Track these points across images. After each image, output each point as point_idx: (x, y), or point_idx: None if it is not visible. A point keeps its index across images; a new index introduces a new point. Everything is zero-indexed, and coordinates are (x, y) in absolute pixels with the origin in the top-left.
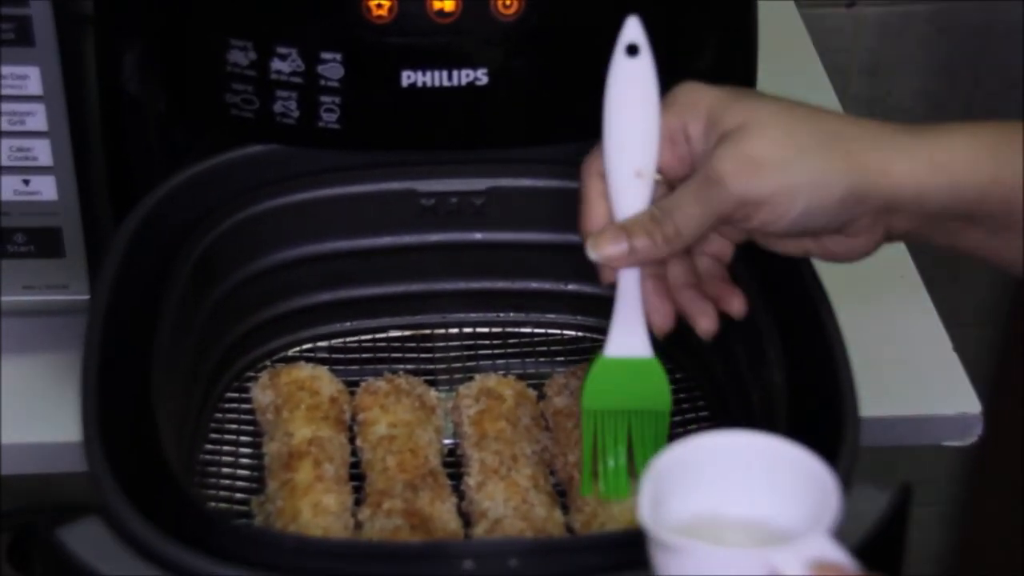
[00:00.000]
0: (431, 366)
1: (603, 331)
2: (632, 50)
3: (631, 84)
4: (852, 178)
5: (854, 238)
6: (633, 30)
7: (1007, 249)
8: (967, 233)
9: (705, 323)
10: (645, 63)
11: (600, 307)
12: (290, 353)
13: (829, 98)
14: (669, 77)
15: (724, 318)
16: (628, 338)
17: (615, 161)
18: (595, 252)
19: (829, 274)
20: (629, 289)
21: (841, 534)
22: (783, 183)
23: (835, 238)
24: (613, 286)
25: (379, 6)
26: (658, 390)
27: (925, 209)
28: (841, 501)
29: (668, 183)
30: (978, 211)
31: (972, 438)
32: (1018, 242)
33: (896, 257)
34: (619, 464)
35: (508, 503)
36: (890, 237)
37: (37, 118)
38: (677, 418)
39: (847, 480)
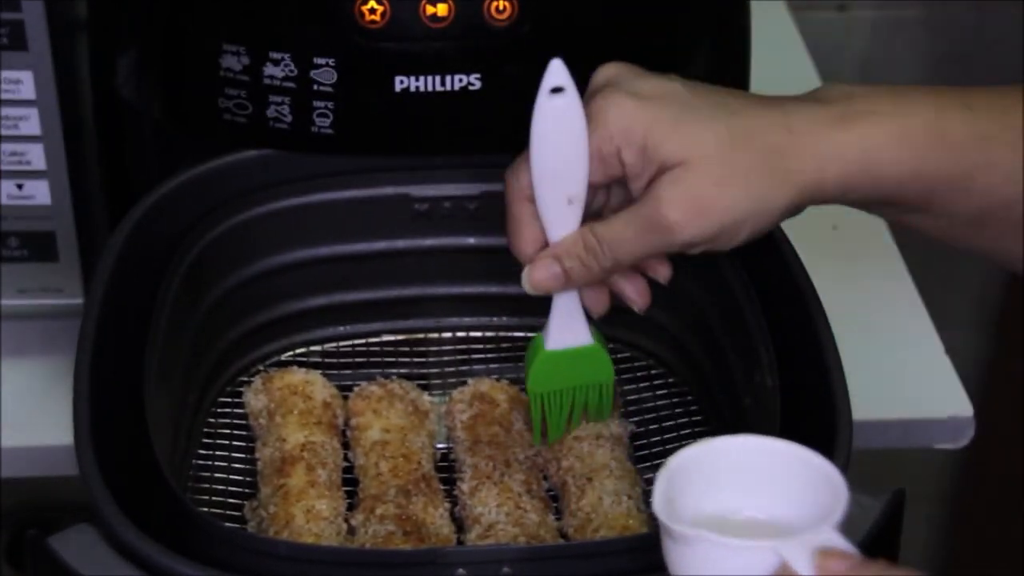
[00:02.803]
0: (424, 371)
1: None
2: (557, 90)
3: (558, 121)
4: (791, 196)
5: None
6: (556, 74)
7: (922, 225)
8: (886, 211)
9: (634, 295)
10: (571, 100)
11: None
12: (283, 358)
13: None
14: None
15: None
16: (568, 330)
17: (546, 190)
18: (530, 285)
19: (821, 277)
20: (563, 296)
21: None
22: (731, 220)
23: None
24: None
25: (372, 11)
26: (601, 366)
27: (847, 200)
28: (849, 500)
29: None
30: (897, 200)
31: (964, 441)
32: (930, 223)
33: (888, 260)
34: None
35: (501, 508)
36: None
37: (31, 122)
38: (669, 423)
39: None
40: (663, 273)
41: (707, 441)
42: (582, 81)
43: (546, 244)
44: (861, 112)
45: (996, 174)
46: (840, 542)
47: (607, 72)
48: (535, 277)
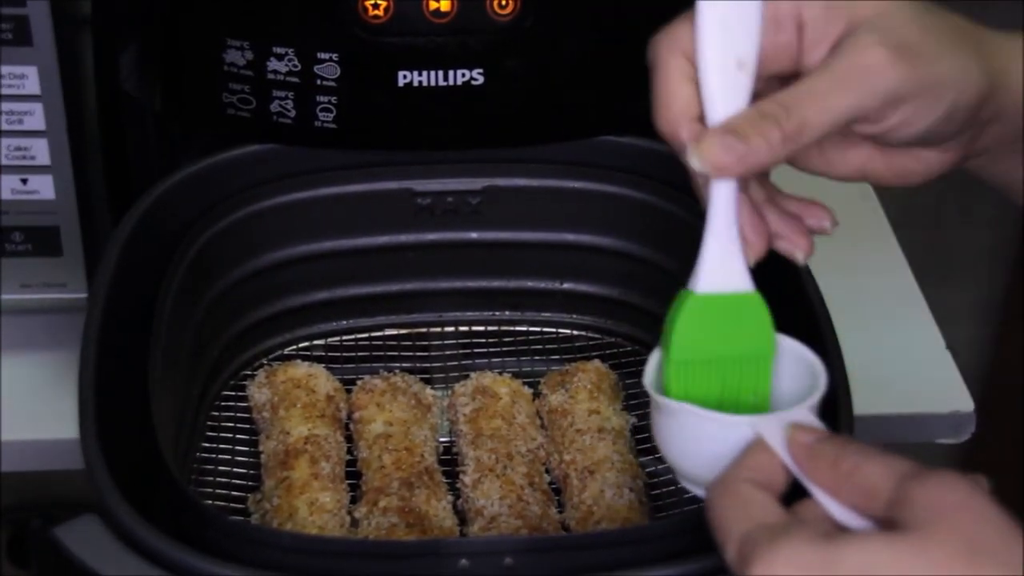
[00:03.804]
0: (427, 364)
1: (598, 329)
2: None
3: None
4: (987, 74)
5: (943, 153)
6: None
7: None
8: None
9: (804, 244)
10: None
11: (595, 305)
12: (286, 351)
13: None
14: None
15: None
16: (725, 268)
17: (713, 45)
18: (699, 159)
19: (822, 272)
20: (724, 207)
21: None
22: (935, 76)
23: (919, 154)
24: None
25: (375, 6)
26: (759, 330)
27: (1020, 121)
28: (828, 386)
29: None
30: None
31: (965, 436)
32: None
33: (889, 255)
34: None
35: (503, 501)
36: (966, 158)
37: (35, 117)
38: None
39: None
40: (827, 220)
41: None
42: (577, 74)
43: (702, 122)
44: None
45: None
46: (812, 420)
47: None
48: (710, 154)
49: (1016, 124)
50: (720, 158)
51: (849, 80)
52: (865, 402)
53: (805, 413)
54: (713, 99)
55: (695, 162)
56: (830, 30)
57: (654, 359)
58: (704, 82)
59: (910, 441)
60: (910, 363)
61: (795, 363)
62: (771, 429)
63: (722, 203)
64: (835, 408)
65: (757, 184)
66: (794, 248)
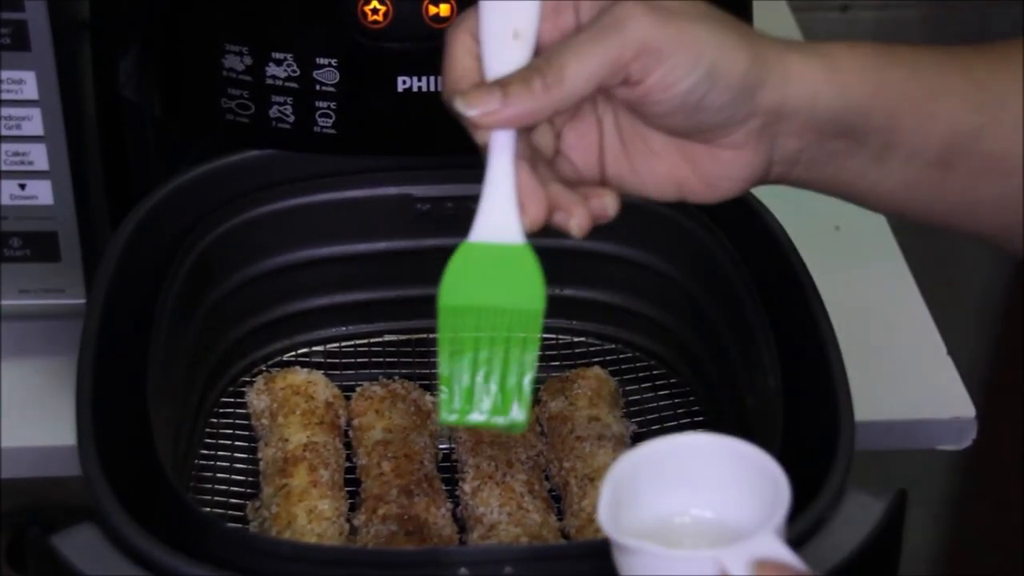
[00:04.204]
0: (426, 371)
1: (598, 336)
2: None
3: None
4: (753, 58)
5: (737, 151)
6: None
7: (886, 177)
8: (849, 160)
9: (579, 216)
10: None
11: (595, 312)
12: (285, 358)
13: None
14: None
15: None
16: (498, 220)
17: (490, 18)
18: (464, 104)
19: (823, 277)
20: (501, 161)
21: (837, 541)
22: (690, 35)
23: (717, 154)
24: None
25: (374, 11)
26: (530, 284)
27: (815, 118)
28: (790, 500)
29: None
30: (863, 126)
31: (966, 442)
32: (896, 168)
33: (890, 261)
34: (477, 381)
35: (503, 509)
36: (772, 163)
37: (33, 122)
38: (672, 423)
39: (842, 485)
40: (610, 204)
41: (649, 443)
42: None
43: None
44: (816, 44)
45: (955, 98)
46: (779, 549)
47: None
48: (475, 99)
49: (813, 122)
50: (486, 104)
51: (605, 31)
52: (866, 408)
53: (771, 540)
54: (491, 66)
55: (460, 105)
56: (601, 4)
57: (607, 492)
58: (483, 51)
59: (911, 447)
60: (911, 369)
61: (755, 473)
62: (735, 562)
63: (498, 158)
64: (836, 415)
65: (545, 166)
66: (568, 218)
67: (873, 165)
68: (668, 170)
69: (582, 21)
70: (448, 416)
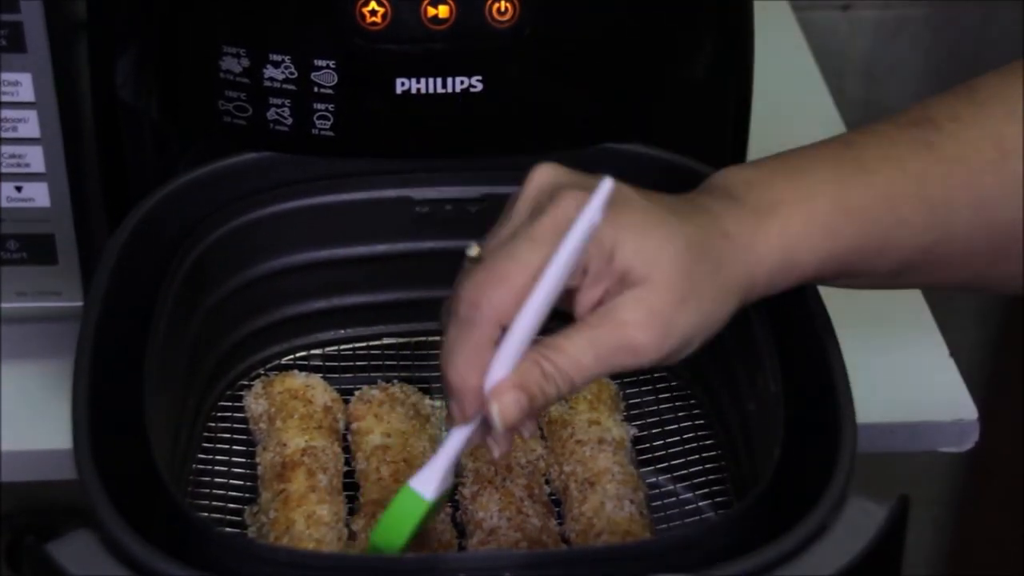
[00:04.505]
0: (426, 374)
1: None
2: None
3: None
4: (732, 306)
5: None
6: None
7: (855, 285)
8: (857, 281)
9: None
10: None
11: None
12: (284, 361)
13: (825, 100)
14: (665, 80)
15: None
16: (448, 476)
17: (529, 324)
18: (500, 420)
19: None
20: (463, 437)
21: (839, 548)
22: (688, 338)
23: None
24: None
25: (373, 13)
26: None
27: (772, 292)
28: None
29: None
30: (817, 278)
31: (969, 444)
32: (862, 281)
33: None
34: None
35: (503, 513)
36: None
37: (30, 125)
38: (673, 427)
39: (844, 492)
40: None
41: None
42: (577, 81)
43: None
44: (770, 204)
45: (906, 229)
46: None
47: (550, 173)
48: (509, 415)
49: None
50: (512, 416)
51: (612, 355)
52: (868, 410)
53: None
54: (506, 361)
55: (497, 422)
56: (603, 280)
57: None
58: (509, 344)
59: (913, 450)
60: (913, 371)
61: None
62: None
63: (462, 435)
64: (838, 419)
65: None
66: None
67: (889, 280)
68: None
69: (586, 279)
70: None
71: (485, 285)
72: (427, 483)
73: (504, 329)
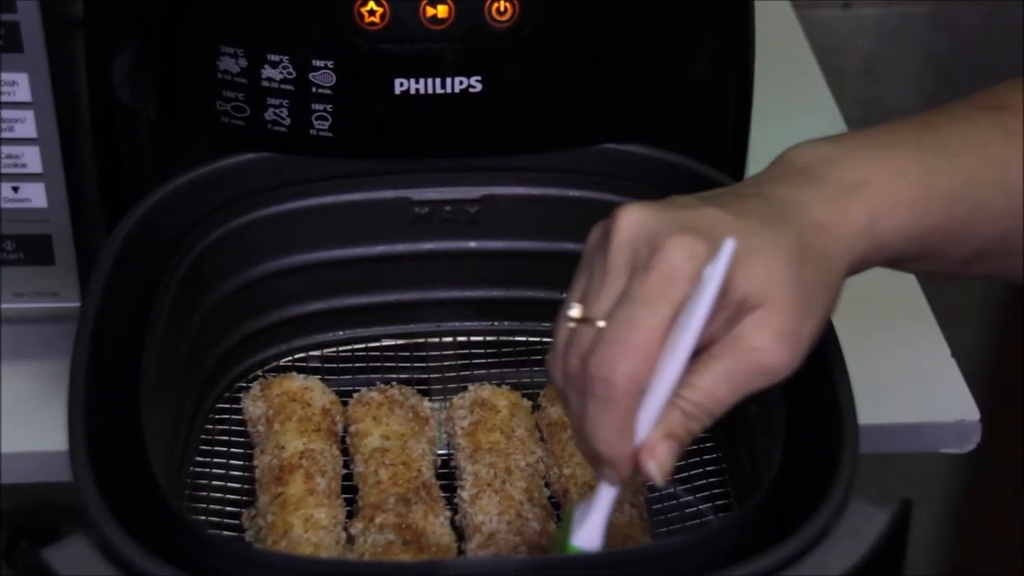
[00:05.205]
0: (425, 376)
1: None
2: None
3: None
4: (840, 285)
5: None
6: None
7: (925, 270)
8: (931, 265)
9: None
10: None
11: None
12: (282, 363)
13: (826, 99)
14: (665, 79)
15: None
16: (595, 532)
17: (669, 385)
18: (659, 474)
19: None
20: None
21: (841, 553)
22: (815, 338)
23: None
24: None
25: (371, 13)
26: None
27: (863, 271)
28: None
29: None
30: (894, 262)
31: (970, 445)
32: (934, 266)
33: None
34: None
35: (502, 517)
36: None
37: (26, 125)
38: None
39: (846, 496)
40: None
41: None
42: (577, 81)
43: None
44: (855, 183)
45: (986, 214)
46: None
47: (639, 218)
48: (666, 466)
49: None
50: (669, 466)
51: (753, 380)
52: (870, 412)
53: None
54: (653, 415)
55: (657, 477)
56: (722, 312)
57: None
58: (651, 405)
59: (915, 451)
60: (915, 372)
61: None
62: None
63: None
64: (840, 421)
65: None
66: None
67: (961, 268)
68: None
69: None
70: None
71: (615, 359)
72: (591, 538)
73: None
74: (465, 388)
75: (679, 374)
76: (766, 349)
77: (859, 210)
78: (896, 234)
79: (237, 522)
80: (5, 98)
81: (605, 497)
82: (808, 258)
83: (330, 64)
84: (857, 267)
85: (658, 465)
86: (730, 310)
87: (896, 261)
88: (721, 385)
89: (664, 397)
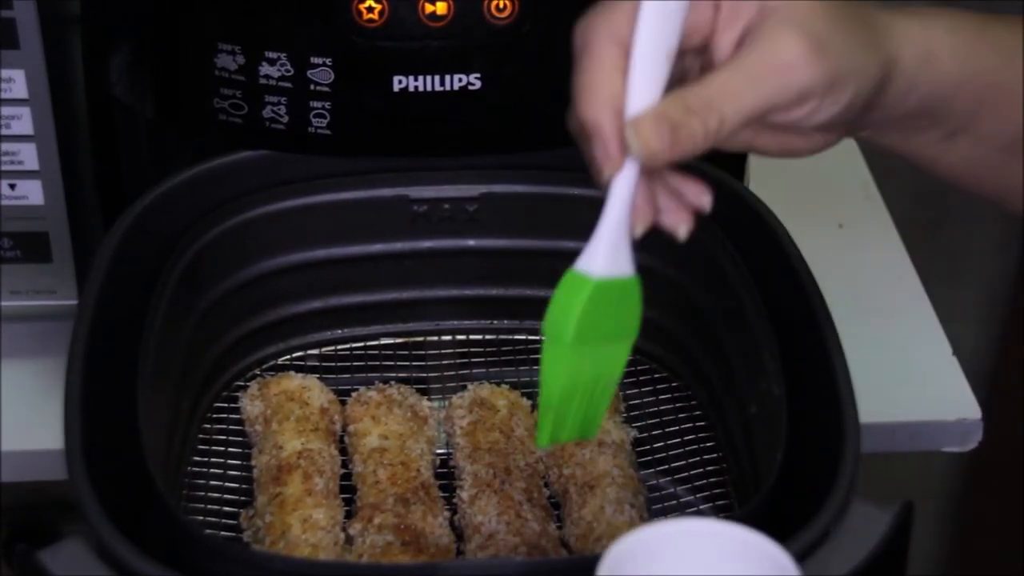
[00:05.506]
0: (423, 375)
1: None
2: None
3: None
4: (880, 62)
5: (828, 134)
6: None
7: (948, 154)
8: (921, 134)
9: (685, 218)
10: None
11: None
12: (280, 362)
13: None
14: None
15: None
16: (617, 254)
17: (651, 39)
18: (638, 143)
19: (826, 277)
20: (624, 196)
21: (842, 554)
22: (841, 71)
23: (811, 134)
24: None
25: (370, 10)
26: (633, 315)
27: (907, 102)
28: None
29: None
30: (945, 108)
31: (972, 444)
32: (962, 148)
33: (895, 260)
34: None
35: (501, 517)
36: (847, 135)
37: (23, 122)
38: (673, 428)
39: (847, 497)
40: (705, 196)
41: (646, 527)
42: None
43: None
44: (911, 10)
45: (1015, 100)
46: None
47: None
48: (649, 142)
49: (903, 105)
50: (655, 144)
51: (765, 77)
52: (871, 410)
53: None
54: (640, 89)
55: (634, 145)
56: (742, 14)
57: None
58: (636, 72)
59: (916, 450)
60: (916, 370)
61: (758, 559)
62: None
63: (624, 192)
64: (841, 421)
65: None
66: (677, 223)
67: (940, 143)
68: (749, 138)
69: (719, 20)
70: (544, 442)
71: (593, 14)
72: (590, 259)
73: (624, 52)
74: (464, 387)
75: (664, 20)
76: (784, 42)
77: (914, 23)
78: (951, 59)
79: (235, 522)
80: (2, 95)
81: (614, 199)
82: (847, 8)
83: (328, 61)
84: (911, 73)
85: (638, 136)
86: (751, 13)
87: (949, 114)
88: (733, 78)
89: (649, 51)
